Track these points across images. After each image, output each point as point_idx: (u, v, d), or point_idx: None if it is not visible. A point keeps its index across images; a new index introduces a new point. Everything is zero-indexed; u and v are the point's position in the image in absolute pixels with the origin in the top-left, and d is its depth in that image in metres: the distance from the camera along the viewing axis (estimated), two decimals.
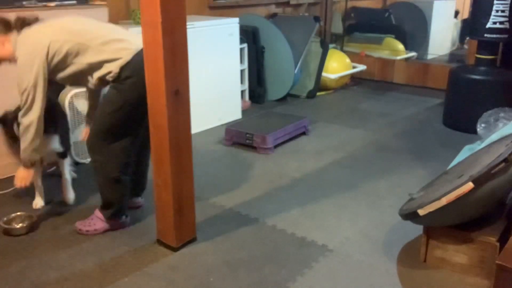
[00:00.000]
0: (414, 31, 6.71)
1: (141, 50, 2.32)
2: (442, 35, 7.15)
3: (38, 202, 2.93)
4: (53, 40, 2.35)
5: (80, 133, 3.15)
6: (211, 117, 4.45)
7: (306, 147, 3.96)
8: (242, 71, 4.93)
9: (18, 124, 2.45)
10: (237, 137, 3.95)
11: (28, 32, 2.42)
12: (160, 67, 2.19)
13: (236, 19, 4.51)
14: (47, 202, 2.96)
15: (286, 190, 3.18)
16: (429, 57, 6.87)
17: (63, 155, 2.89)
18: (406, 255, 2.45)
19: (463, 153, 3.05)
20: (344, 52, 6.09)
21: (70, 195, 2.92)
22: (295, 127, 4.11)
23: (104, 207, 2.61)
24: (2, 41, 2.47)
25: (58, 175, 2.98)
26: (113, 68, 2.38)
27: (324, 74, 5.45)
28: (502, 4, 3.97)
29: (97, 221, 2.63)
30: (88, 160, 3.59)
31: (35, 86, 2.33)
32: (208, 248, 2.51)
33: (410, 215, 2.25)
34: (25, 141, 2.41)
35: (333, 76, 5.51)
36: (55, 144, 2.79)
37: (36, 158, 2.48)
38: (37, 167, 2.74)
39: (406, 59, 6.18)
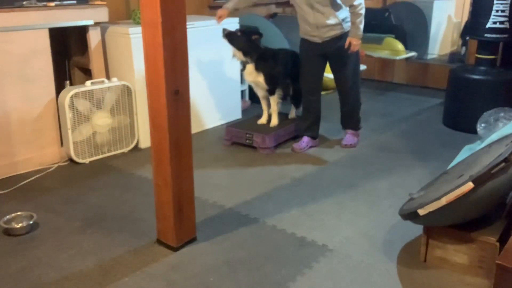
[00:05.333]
0: (414, 31, 6.70)
1: None
2: (442, 35, 7.15)
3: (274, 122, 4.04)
4: None
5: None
6: (211, 117, 4.45)
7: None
8: (242, 71, 4.92)
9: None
10: (237, 137, 3.95)
11: None
12: (160, 67, 2.19)
13: (236, 19, 4.51)
14: None
15: (286, 190, 3.18)
16: (429, 57, 6.86)
17: (271, 92, 3.99)
18: (406, 255, 2.45)
19: (463, 153, 3.05)
20: None
21: (275, 121, 4.03)
22: (295, 127, 4.11)
23: (356, 124, 3.97)
24: None
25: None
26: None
27: (324, 74, 5.43)
28: (502, 4, 3.97)
29: (353, 137, 3.93)
30: (88, 160, 3.59)
31: None
32: (208, 248, 2.51)
33: (410, 215, 2.25)
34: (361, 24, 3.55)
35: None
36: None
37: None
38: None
39: (406, 59, 6.18)
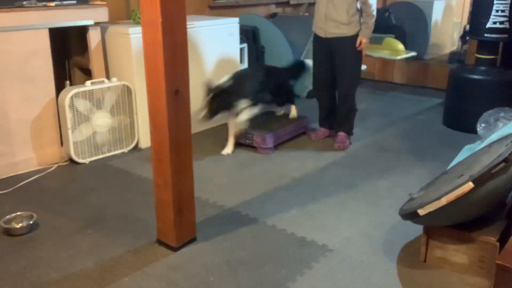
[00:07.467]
0: (414, 31, 6.70)
1: None
2: (442, 35, 7.15)
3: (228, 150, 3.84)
4: None
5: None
6: None
7: (306, 147, 3.96)
8: None
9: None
10: (237, 137, 3.95)
11: None
12: (160, 67, 2.19)
13: (236, 19, 4.51)
14: None
15: (286, 190, 3.18)
16: (429, 57, 6.86)
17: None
18: (406, 255, 2.45)
19: (463, 153, 3.05)
20: None
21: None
22: (295, 127, 4.11)
23: (349, 129, 3.95)
24: None
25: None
26: None
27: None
28: (502, 4, 3.97)
29: (345, 139, 3.88)
30: (88, 160, 3.59)
31: None
32: (208, 248, 2.51)
33: (410, 215, 2.25)
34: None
35: None
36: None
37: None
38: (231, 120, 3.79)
39: (406, 59, 6.18)
